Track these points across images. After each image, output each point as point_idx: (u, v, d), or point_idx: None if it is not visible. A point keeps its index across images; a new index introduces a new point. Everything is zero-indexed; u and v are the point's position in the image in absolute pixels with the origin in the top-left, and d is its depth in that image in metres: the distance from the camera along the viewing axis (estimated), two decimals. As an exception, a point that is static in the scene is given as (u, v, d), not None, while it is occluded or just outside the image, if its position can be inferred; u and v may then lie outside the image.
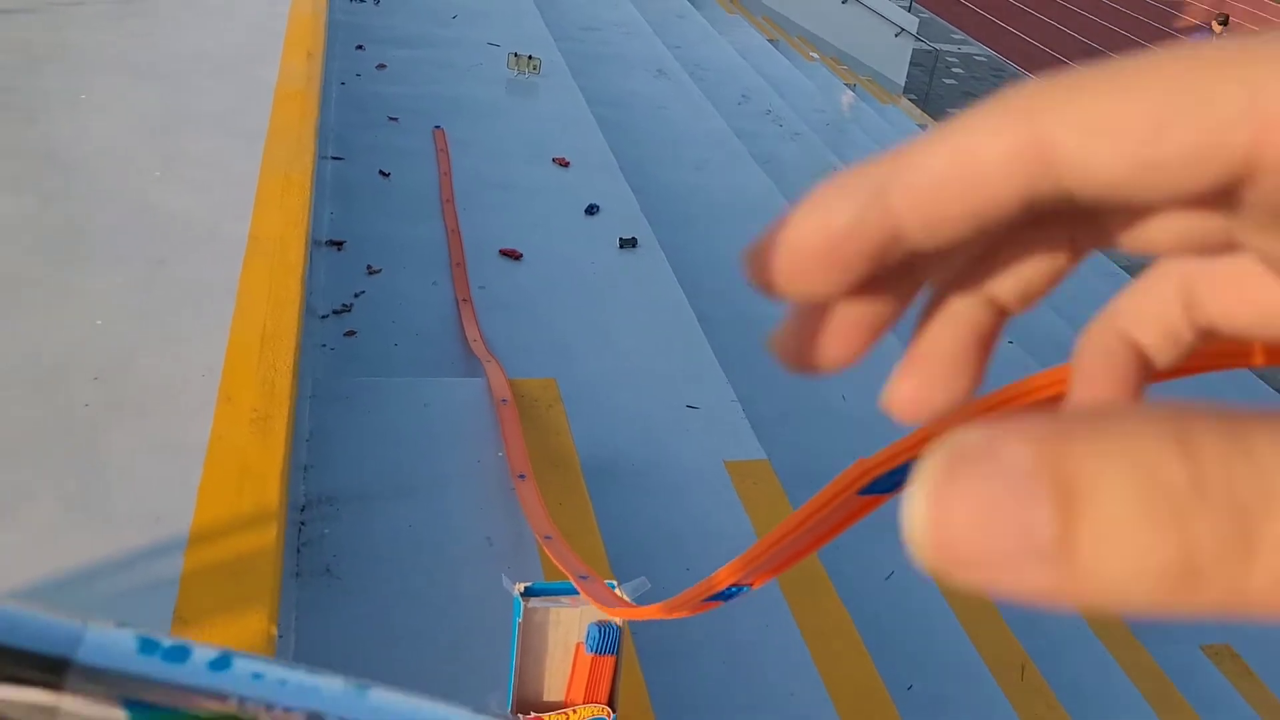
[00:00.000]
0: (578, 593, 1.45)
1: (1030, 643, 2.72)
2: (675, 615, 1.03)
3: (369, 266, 3.17)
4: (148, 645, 0.36)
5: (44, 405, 1.72)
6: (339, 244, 3.26)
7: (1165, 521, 0.12)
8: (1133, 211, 0.18)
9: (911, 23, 12.44)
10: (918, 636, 2.61)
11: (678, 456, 2.64)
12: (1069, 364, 0.38)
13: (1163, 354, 0.20)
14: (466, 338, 2.86)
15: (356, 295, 3.02)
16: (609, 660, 1.48)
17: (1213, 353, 0.21)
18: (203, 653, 0.36)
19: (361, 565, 1.85)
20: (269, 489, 1.61)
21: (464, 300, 3.06)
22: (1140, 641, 3.13)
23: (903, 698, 2.31)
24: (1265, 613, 0.13)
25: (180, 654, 0.36)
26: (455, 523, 1.99)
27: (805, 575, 2.32)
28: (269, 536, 1.53)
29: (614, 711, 1.52)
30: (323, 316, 2.88)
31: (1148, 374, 0.20)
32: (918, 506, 0.15)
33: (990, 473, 0.13)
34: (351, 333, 2.85)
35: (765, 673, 2.05)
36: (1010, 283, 0.21)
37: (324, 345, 2.78)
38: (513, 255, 3.37)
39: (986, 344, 0.22)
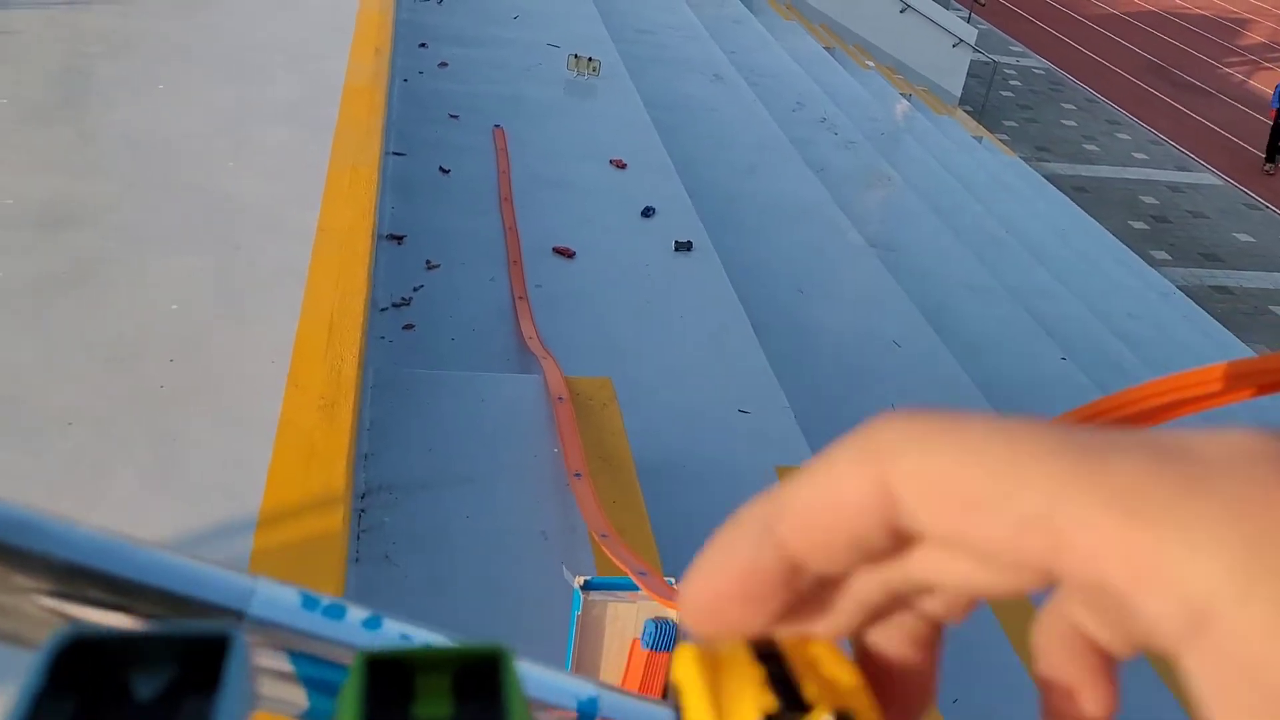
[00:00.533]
0: (635, 589, 1.47)
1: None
2: None
3: (428, 261, 3.22)
4: (310, 602, 0.39)
5: (122, 385, 1.77)
6: (399, 238, 3.31)
7: None
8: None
9: (970, 34, 12.34)
10: (962, 648, 2.60)
11: (729, 460, 2.65)
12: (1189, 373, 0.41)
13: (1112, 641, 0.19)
14: (522, 334, 2.89)
15: (415, 289, 3.07)
16: (665, 657, 1.50)
17: None
18: (356, 613, 0.39)
19: (419, 554, 1.89)
20: (335, 473, 1.65)
21: (520, 297, 3.10)
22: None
23: (949, 712, 2.30)
24: None
25: (337, 612, 0.39)
26: (510, 516, 2.02)
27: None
28: (335, 520, 1.57)
29: (668, 708, 1.54)
30: (382, 309, 2.93)
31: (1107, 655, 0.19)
32: None
33: None
34: (410, 326, 2.90)
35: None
36: (932, 599, 0.21)
37: (383, 337, 2.83)
38: (565, 253, 3.40)
39: (932, 650, 0.22)
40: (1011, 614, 2.73)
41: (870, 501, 0.18)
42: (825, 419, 3.41)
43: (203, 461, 1.64)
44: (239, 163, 2.54)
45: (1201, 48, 18.66)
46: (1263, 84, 17.16)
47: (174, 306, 2.00)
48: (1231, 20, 20.68)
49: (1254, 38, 19.78)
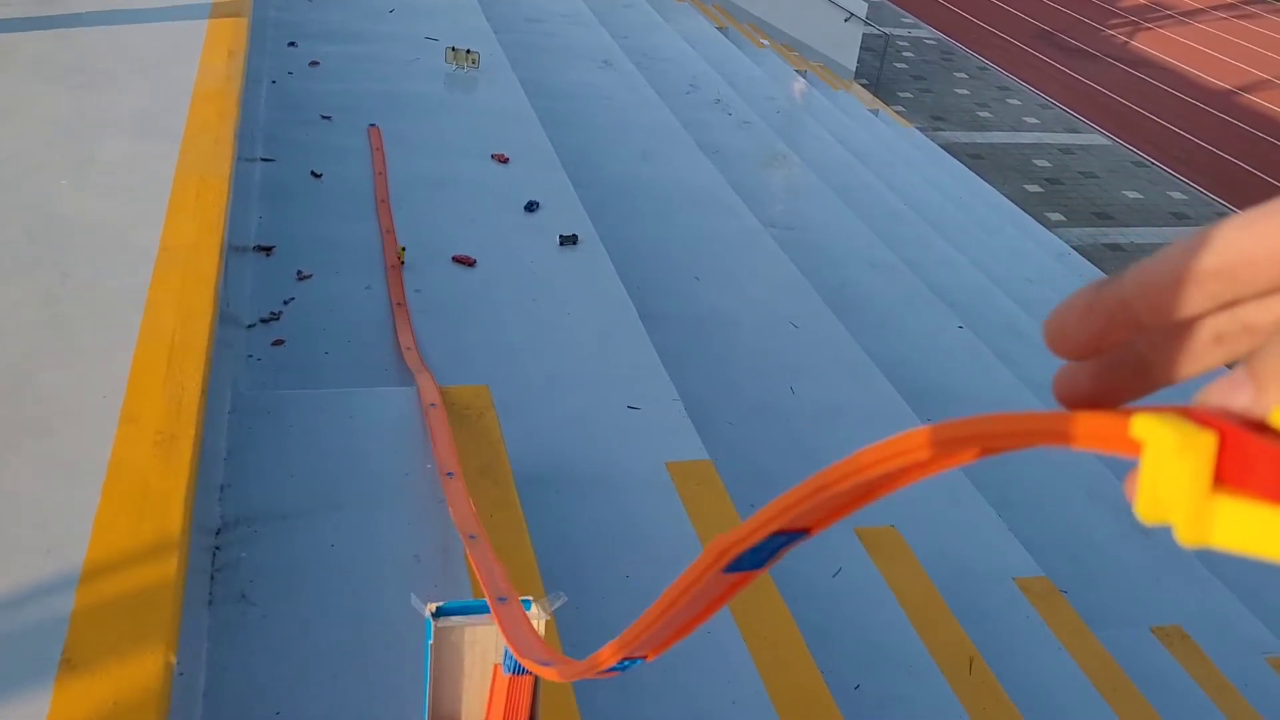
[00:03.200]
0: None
1: (980, 635, 2.70)
2: (568, 679, 0.98)
3: (299, 272, 3.08)
4: None
5: (-69, 433, 1.62)
6: (268, 249, 3.16)
7: None
8: None
9: (861, 7, 12.45)
10: (865, 634, 2.58)
11: (618, 459, 2.58)
12: (906, 435, 0.35)
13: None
14: (400, 345, 2.78)
15: (286, 302, 2.93)
16: (527, 680, 1.42)
17: None
18: None
19: (280, 589, 1.78)
20: (171, 515, 1.53)
21: (398, 305, 2.98)
22: (1090, 625, 3.12)
23: (849, 698, 2.27)
24: None
25: None
26: (381, 540, 1.91)
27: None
28: (169, 567, 1.45)
29: (537, 734, 1.46)
30: (249, 326, 2.79)
31: None
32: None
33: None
34: (280, 342, 2.76)
35: (705, 680, 2.00)
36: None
37: (250, 356, 2.69)
38: (466, 262, 3.28)
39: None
40: (913, 599, 2.73)
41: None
42: (719, 408, 3.37)
43: (19, 513, 1.50)
44: (75, 180, 2.37)
45: (1085, 12, 19.16)
46: (1143, 44, 17.70)
47: (-6, 342, 1.84)
48: (1113, -16, 21.28)
49: (1134, 0, 20.39)
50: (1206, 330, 0.27)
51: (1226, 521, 0.21)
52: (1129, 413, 0.24)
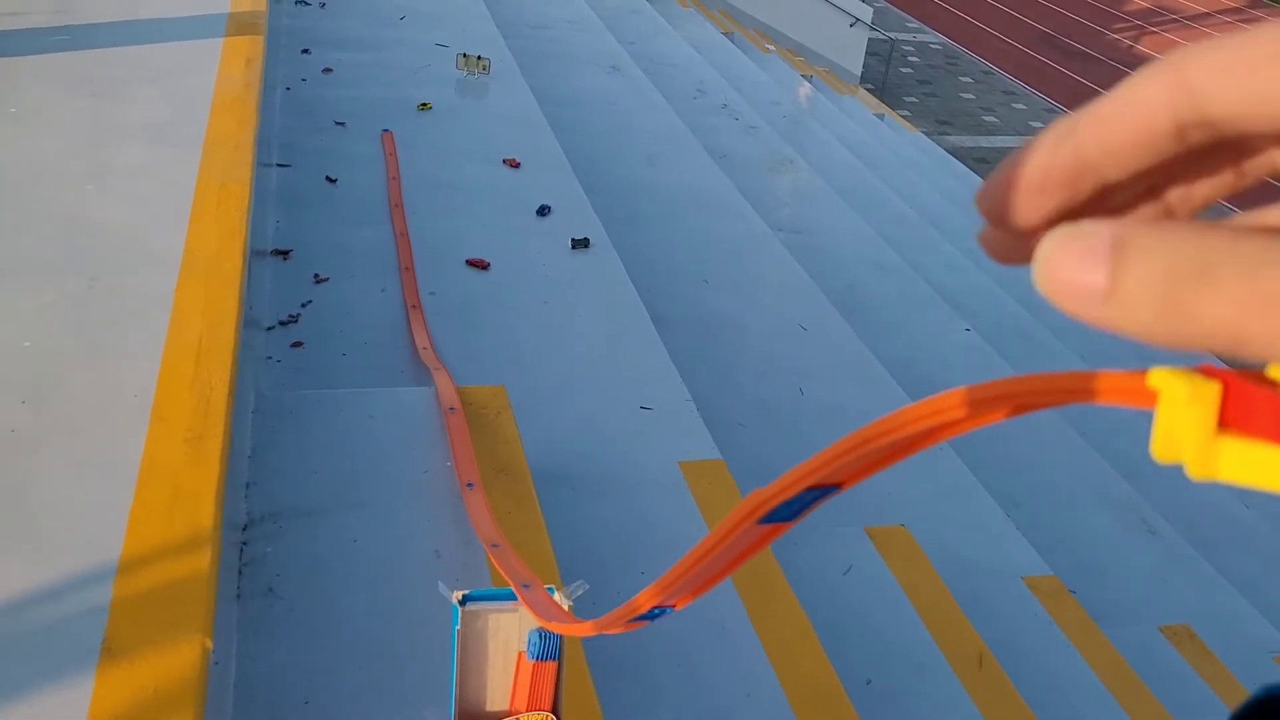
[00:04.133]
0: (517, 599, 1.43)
1: (988, 632, 2.73)
2: (604, 632, 1.03)
3: (316, 275, 3.12)
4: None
5: (-32, 432, 1.67)
6: (285, 253, 3.20)
7: (1158, 265, 0.21)
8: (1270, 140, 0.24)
9: (866, 12, 12.50)
10: (876, 631, 2.62)
11: (632, 459, 2.62)
12: (942, 396, 0.39)
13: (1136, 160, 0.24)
14: (416, 346, 2.82)
15: (304, 305, 2.98)
16: (550, 666, 1.46)
17: None
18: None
19: (306, 583, 1.82)
20: (203, 510, 1.58)
21: (413, 307, 3.02)
22: (1099, 624, 3.15)
23: (861, 694, 2.31)
24: (1214, 335, 0.21)
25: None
26: (402, 536, 1.95)
27: (760, 573, 2.32)
28: (203, 560, 1.50)
29: (558, 719, 1.50)
30: (268, 328, 2.84)
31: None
32: (1041, 254, 0.22)
33: (1086, 239, 0.21)
34: (299, 344, 2.81)
35: (720, 675, 2.04)
36: (1180, 195, 0.27)
37: (270, 357, 2.73)
38: (480, 265, 3.32)
39: None
40: (923, 595, 2.76)
41: (1165, 98, 0.22)
42: (731, 409, 3.41)
43: (57, 510, 1.55)
44: (99, 186, 2.42)
45: (1089, 16, 19.20)
46: (1148, 48, 17.73)
47: (26, 344, 1.89)
48: (1117, -12, 21.31)
49: (1138, 3, 20.43)
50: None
51: (1229, 458, 0.25)
52: (1144, 371, 0.28)
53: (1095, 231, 0.21)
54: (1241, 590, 3.87)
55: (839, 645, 2.38)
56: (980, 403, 0.37)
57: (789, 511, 0.59)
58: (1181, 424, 0.26)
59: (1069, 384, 0.33)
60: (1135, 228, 0.21)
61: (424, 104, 4.37)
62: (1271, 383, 0.25)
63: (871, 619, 2.66)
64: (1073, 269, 0.22)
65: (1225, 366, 0.26)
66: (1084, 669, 2.86)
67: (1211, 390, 0.25)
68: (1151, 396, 0.27)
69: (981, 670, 2.56)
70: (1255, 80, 0.20)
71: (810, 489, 0.55)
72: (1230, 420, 0.26)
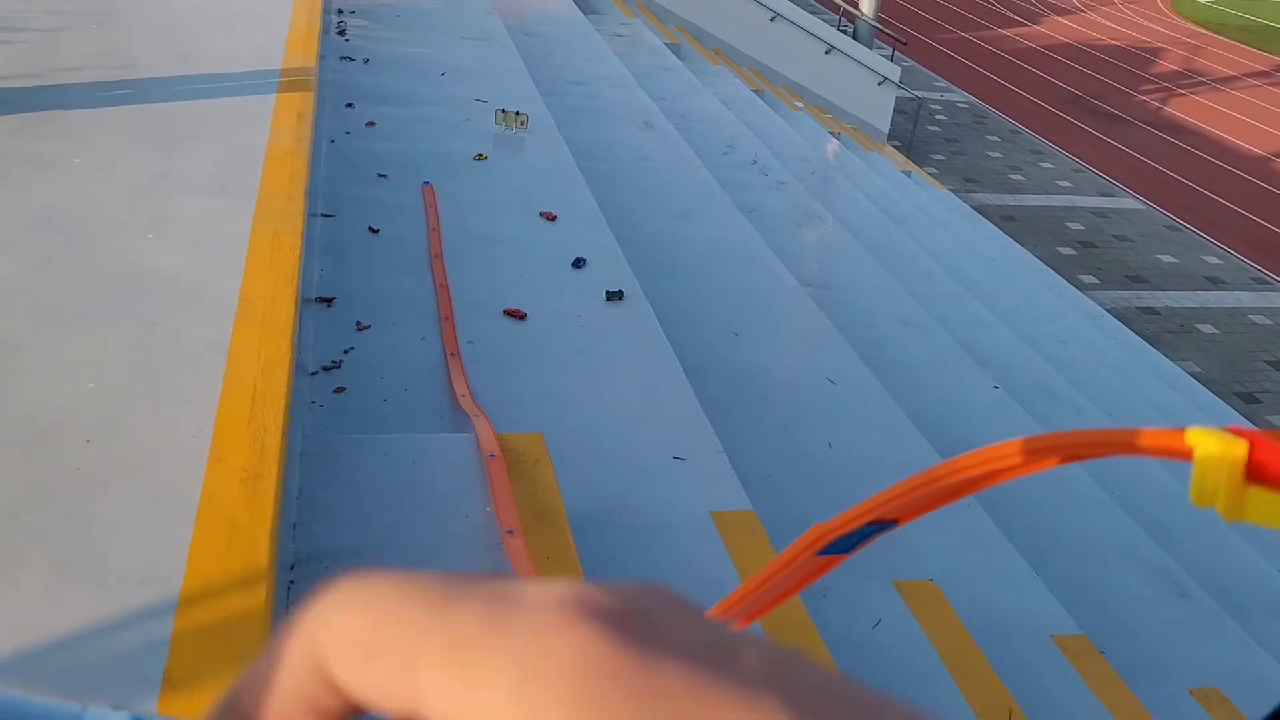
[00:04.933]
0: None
1: (1018, 689, 2.73)
2: None
3: (358, 323, 3.21)
4: (141, 726, 0.40)
5: (37, 469, 1.74)
6: (329, 300, 3.30)
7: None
8: None
9: (894, 71, 12.67)
10: (904, 685, 2.62)
11: (665, 508, 2.67)
12: (1001, 444, 0.45)
13: None
14: (455, 393, 2.89)
15: (346, 352, 3.06)
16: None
17: None
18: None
19: (350, 622, 1.87)
20: (258, 548, 1.64)
21: (452, 355, 3.10)
22: (1128, 684, 3.14)
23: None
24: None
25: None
26: (443, 578, 2.00)
27: (790, 625, 2.34)
28: (259, 596, 1.55)
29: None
30: (312, 374, 2.92)
31: None
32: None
33: None
34: (341, 389, 2.89)
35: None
36: None
37: (313, 402, 2.81)
38: (516, 315, 3.40)
39: None
40: (953, 651, 2.77)
41: (307, 663, 0.19)
42: (760, 460, 3.45)
43: (120, 545, 1.62)
44: (158, 235, 2.53)
45: (1117, 77, 19.34)
46: (1176, 110, 17.82)
47: (91, 385, 1.97)
48: (1144, 50, 21.49)
49: (1166, 65, 20.57)
50: None
51: (1255, 504, 0.31)
52: (1183, 429, 0.34)
53: None
54: (1273, 653, 3.83)
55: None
56: (1036, 452, 0.43)
57: (847, 544, 0.64)
58: (1214, 475, 0.32)
59: (1116, 439, 0.39)
60: None
61: (480, 155, 4.50)
62: None
63: (900, 672, 2.67)
64: None
65: (1252, 428, 0.32)
66: (1113, 729, 2.84)
67: (1240, 447, 0.31)
68: (1188, 451, 0.33)
69: (1010, 727, 2.56)
70: (361, 664, 0.19)
71: (870, 524, 0.61)
72: (1255, 472, 0.31)
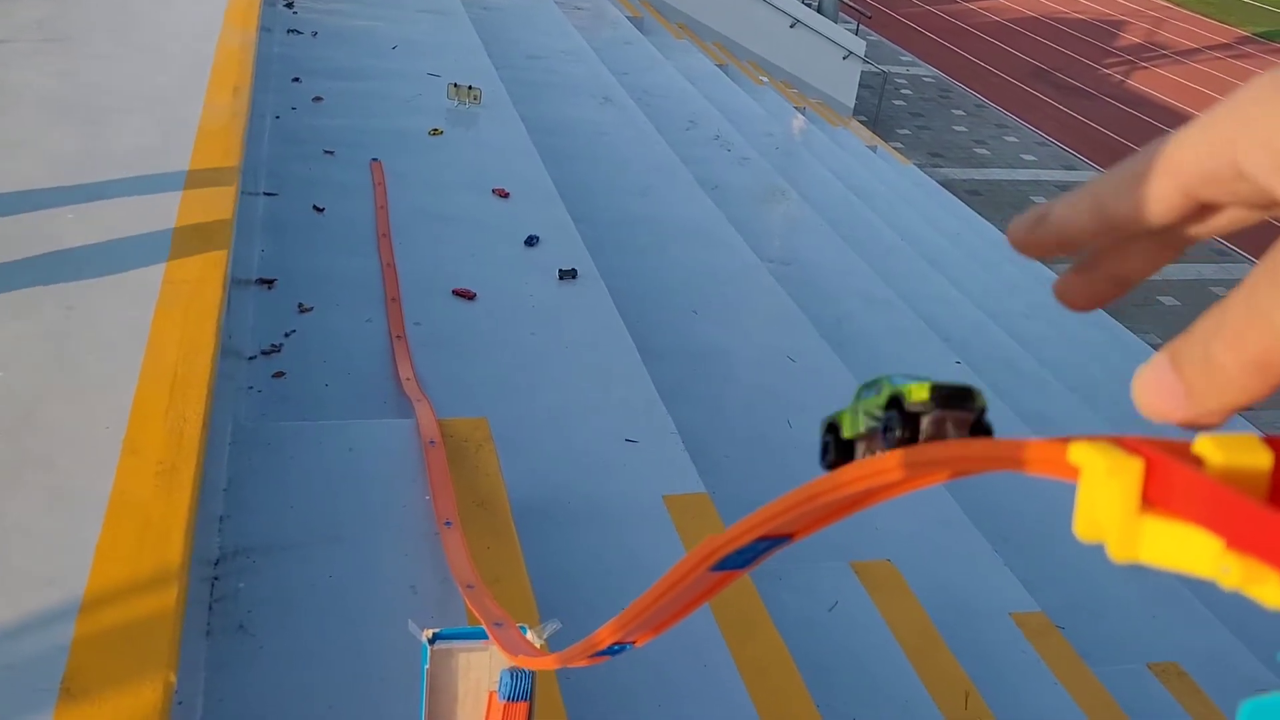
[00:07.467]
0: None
1: (976, 670, 2.70)
2: (567, 665, 1.03)
3: (300, 304, 3.11)
4: None
5: (-64, 464, 1.64)
6: (270, 282, 3.19)
7: (1197, 350, 0.26)
8: None
9: (859, 45, 12.60)
10: (860, 668, 2.58)
11: (615, 492, 2.60)
12: (882, 456, 0.39)
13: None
14: (400, 377, 2.80)
15: (287, 335, 2.96)
16: (522, 707, 1.43)
17: None
18: None
19: (278, 619, 1.79)
20: (172, 546, 1.55)
21: (398, 337, 3.01)
22: (1087, 661, 3.12)
23: (845, 733, 2.28)
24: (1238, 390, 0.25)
25: None
26: (379, 571, 1.93)
27: (742, 609, 2.29)
28: (169, 597, 1.47)
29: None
30: (250, 358, 2.82)
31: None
32: (1134, 392, 0.27)
33: (1154, 369, 0.26)
34: (280, 374, 2.79)
35: (701, 712, 2.01)
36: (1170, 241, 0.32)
37: (251, 387, 2.71)
38: (466, 295, 3.31)
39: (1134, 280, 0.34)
40: (909, 633, 2.73)
41: (1217, 155, 0.26)
42: (718, 441, 3.39)
43: (23, 545, 1.52)
44: (79, 216, 2.41)
45: (1081, 51, 19.39)
46: (1139, 83, 17.90)
47: (0, 373, 1.87)
48: (1108, 23, 21.55)
49: (1129, 39, 20.64)
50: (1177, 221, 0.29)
51: (1153, 539, 0.23)
52: (1066, 442, 0.27)
53: (1158, 362, 0.26)
54: (1231, 628, 3.84)
55: (823, 683, 2.35)
56: (916, 465, 0.36)
57: (741, 559, 0.58)
58: (1102, 501, 0.24)
59: (998, 452, 0.32)
60: (1175, 341, 0.26)
61: (435, 129, 4.38)
62: (1196, 459, 0.24)
63: (856, 656, 2.62)
64: (1155, 394, 0.26)
65: (1148, 439, 0.25)
66: (1072, 707, 2.82)
67: (1133, 466, 0.24)
68: (1074, 470, 0.26)
69: (968, 709, 2.52)
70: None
71: (762, 539, 0.55)
72: (1153, 498, 0.24)
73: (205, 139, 2.84)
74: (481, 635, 1.44)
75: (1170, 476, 0.23)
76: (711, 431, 3.46)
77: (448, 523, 1.97)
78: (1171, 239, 0.32)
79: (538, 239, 3.70)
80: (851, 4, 14.68)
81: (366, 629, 1.79)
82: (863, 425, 0.42)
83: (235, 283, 2.94)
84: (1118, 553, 0.25)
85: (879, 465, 0.39)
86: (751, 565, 0.60)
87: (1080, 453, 0.26)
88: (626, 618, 0.74)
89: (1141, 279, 0.34)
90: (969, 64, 17.90)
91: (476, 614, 1.54)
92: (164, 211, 2.46)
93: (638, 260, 4.41)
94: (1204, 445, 0.23)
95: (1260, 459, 0.23)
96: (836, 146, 9.69)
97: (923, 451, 0.37)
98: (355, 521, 2.03)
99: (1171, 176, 0.28)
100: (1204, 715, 3.19)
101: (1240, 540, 0.21)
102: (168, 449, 1.73)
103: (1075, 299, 0.35)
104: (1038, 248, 0.33)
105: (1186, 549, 0.23)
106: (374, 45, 5.29)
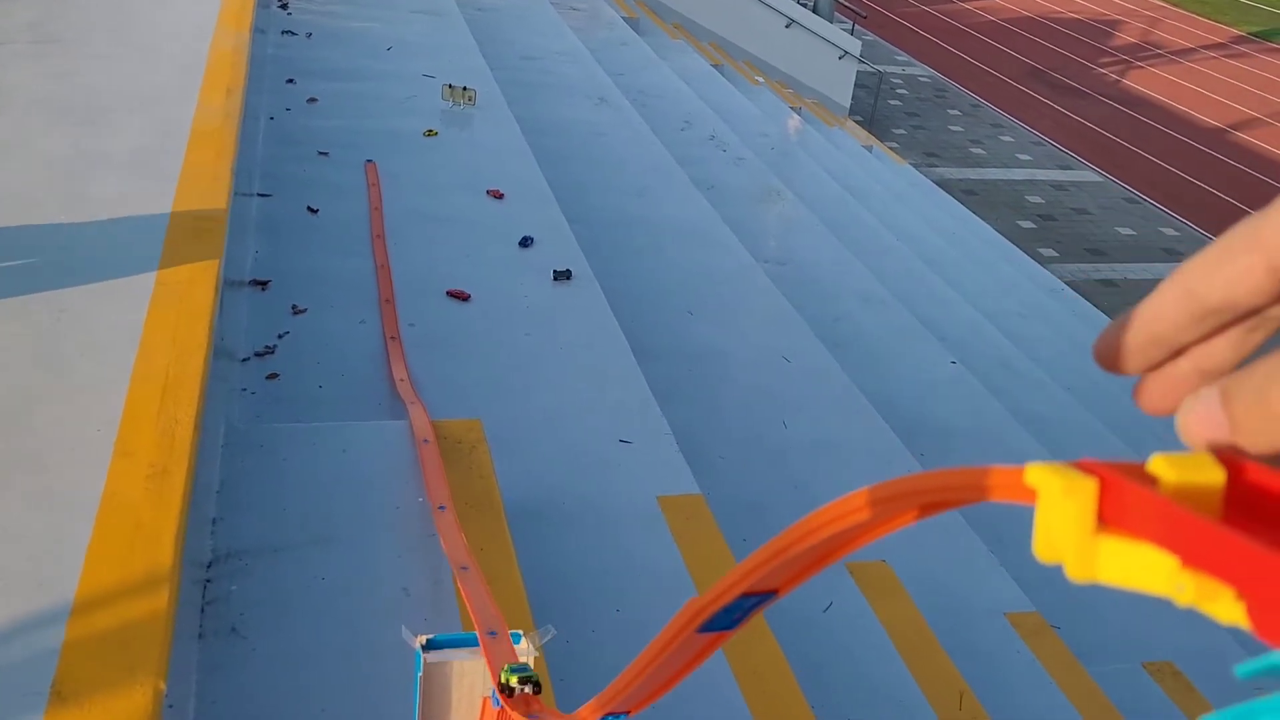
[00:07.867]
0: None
1: (971, 670, 2.70)
2: None
3: (294, 306, 3.10)
4: None
5: (-74, 467, 1.64)
6: (264, 283, 3.19)
7: (1250, 389, 0.25)
8: None
9: (855, 45, 12.60)
10: (856, 669, 2.58)
11: (610, 493, 2.60)
12: (846, 498, 0.38)
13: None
14: (394, 378, 2.80)
15: (281, 336, 2.95)
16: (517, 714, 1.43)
17: None
18: None
19: (270, 622, 1.79)
20: (163, 549, 1.55)
21: (392, 338, 3.00)
22: (1081, 661, 3.12)
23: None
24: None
25: None
26: (371, 573, 1.92)
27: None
28: (160, 599, 1.46)
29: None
30: (244, 360, 2.81)
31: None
32: (1179, 424, 0.27)
33: (1204, 402, 0.26)
34: (274, 375, 2.78)
35: (696, 714, 2.01)
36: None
37: (244, 389, 2.71)
38: (460, 296, 3.31)
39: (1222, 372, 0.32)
40: (904, 634, 2.73)
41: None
42: (713, 442, 3.38)
43: (13, 548, 1.52)
44: (72, 217, 2.40)
45: (1076, 50, 19.40)
46: (1134, 82, 17.92)
47: (-9, 377, 1.86)
48: (1102, 23, 21.57)
49: (1124, 38, 20.66)
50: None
51: (1109, 559, 0.24)
52: (1022, 467, 0.27)
53: (1208, 395, 0.26)
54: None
55: (818, 684, 2.34)
56: (880, 501, 0.36)
57: (728, 620, 0.57)
58: (1058, 522, 0.24)
59: (960, 480, 0.32)
60: (1229, 377, 0.26)
61: (430, 130, 4.38)
62: (1151, 478, 0.24)
63: (851, 657, 2.62)
64: (1201, 427, 0.26)
65: (1104, 462, 0.25)
66: (1066, 706, 2.82)
67: (1087, 487, 0.24)
68: (1031, 493, 0.26)
69: (963, 709, 2.52)
70: None
71: (746, 596, 0.54)
72: (1108, 518, 0.24)
73: (198, 140, 2.84)
74: (475, 642, 1.43)
75: (1124, 496, 0.24)
76: (707, 432, 3.46)
77: (442, 507, 1.97)
78: (1260, 322, 0.30)
79: (532, 240, 3.70)
80: (847, 4, 14.69)
81: (360, 631, 1.79)
82: None
83: (229, 284, 2.94)
84: (1075, 572, 0.25)
85: (846, 506, 0.38)
86: (740, 625, 0.59)
87: (1036, 475, 0.26)
88: (610, 694, 0.72)
89: (1229, 370, 0.32)
90: (964, 64, 17.91)
91: (471, 611, 1.53)
92: (157, 213, 2.46)
93: (633, 261, 4.41)
94: (1158, 464, 0.24)
95: (1213, 476, 0.23)
96: (832, 146, 9.69)
97: (885, 487, 0.37)
98: (348, 524, 2.03)
99: (1259, 254, 0.27)
100: (1199, 714, 3.19)
101: (1194, 557, 0.21)
102: (159, 451, 1.72)
103: (1157, 402, 0.32)
104: (1130, 354, 0.31)
105: (1142, 567, 0.23)
106: (368, 46, 5.28)
